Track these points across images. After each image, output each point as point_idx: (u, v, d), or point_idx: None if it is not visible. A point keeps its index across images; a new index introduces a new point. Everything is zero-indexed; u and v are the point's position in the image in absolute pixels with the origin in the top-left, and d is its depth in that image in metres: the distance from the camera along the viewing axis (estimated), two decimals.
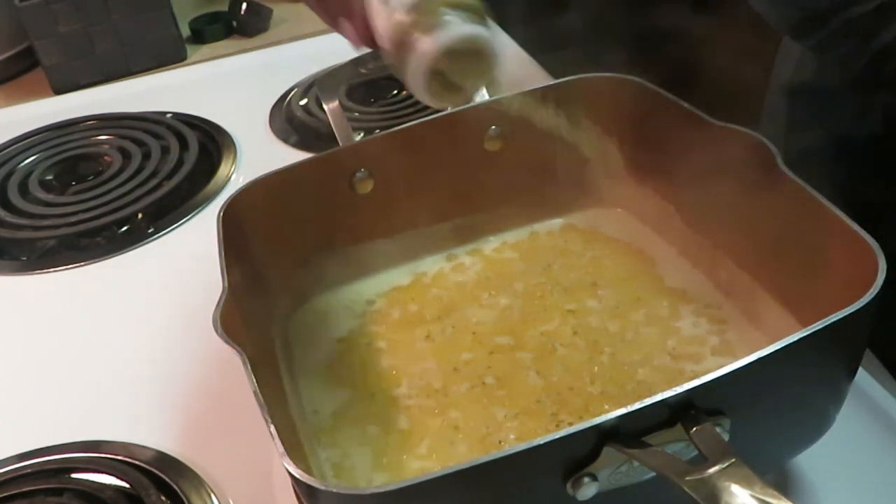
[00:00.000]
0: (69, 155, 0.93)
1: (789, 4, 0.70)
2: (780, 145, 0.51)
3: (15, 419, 0.63)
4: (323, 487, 0.39)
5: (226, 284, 0.50)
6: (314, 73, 0.99)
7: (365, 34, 0.51)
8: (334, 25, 0.54)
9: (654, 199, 0.65)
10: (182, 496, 0.54)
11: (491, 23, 0.48)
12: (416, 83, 0.48)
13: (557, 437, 0.38)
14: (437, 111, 0.88)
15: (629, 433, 0.39)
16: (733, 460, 0.37)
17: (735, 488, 0.36)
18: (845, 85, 0.73)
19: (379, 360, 0.59)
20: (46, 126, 0.99)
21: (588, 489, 0.39)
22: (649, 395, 0.39)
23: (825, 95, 0.77)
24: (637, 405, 0.38)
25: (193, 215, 0.81)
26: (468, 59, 0.47)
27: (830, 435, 0.47)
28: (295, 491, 0.49)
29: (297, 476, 0.39)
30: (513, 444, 0.51)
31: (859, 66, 0.67)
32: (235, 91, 1.03)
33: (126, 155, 0.90)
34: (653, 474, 0.40)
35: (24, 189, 0.88)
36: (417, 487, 0.37)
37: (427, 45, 0.46)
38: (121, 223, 0.81)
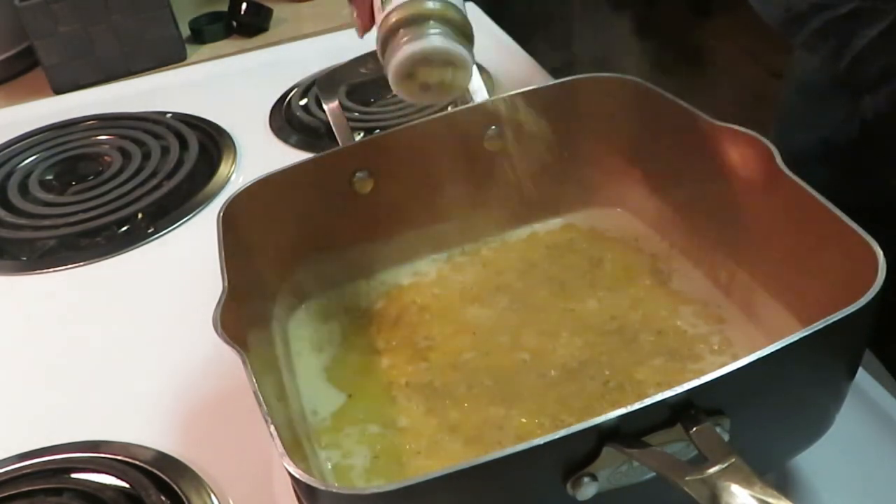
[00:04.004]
0: (69, 155, 0.93)
1: (776, 4, 0.70)
2: (789, 142, 0.51)
3: (15, 419, 0.63)
4: (323, 487, 0.39)
5: (226, 284, 0.50)
6: (314, 73, 0.99)
7: (367, 25, 0.55)
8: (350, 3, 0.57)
9: (654, 199, 0.65)
10: (182, 496, 0.54)
11: (471, 44, 0.52)
12: (392, 80, 0.53)
13: (557, 437, 0.38)
14: (437, 111, 0.89)
15: (629, 433, 0.39)
16: (733, 460, 0.37)
17: (735, 488, 0.36)
18: (838, 85, 0.73)
19: (379, 359, 0.59)
20: (46, 126, 0.99)
21: (588, 489, 0.39)
22: (649, 395, 0.39)
23: (824, 94, 0.77)
24: (637, 405, 0.38)
25: (193, 215, 0.81)
26: (443, 69, 0.52)
27: (830, 435, 0.47)
28: (295, 491, 0.49)
29: (297, 476, 0.39)
30: (513, 444, 0.51)
31: (840, 68, 0.67)
32: (235, 91, 1.03)
33: (126, 155, 0.91)
34: (653, 474, 0.40)
35: (24, 189, 0.88)
36: (417, 487, 0.37)
37: (405, 50, 0.51)
38: (121, 223, 0.81)
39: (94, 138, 0.96)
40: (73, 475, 0.56)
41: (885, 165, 0.71)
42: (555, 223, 0.68)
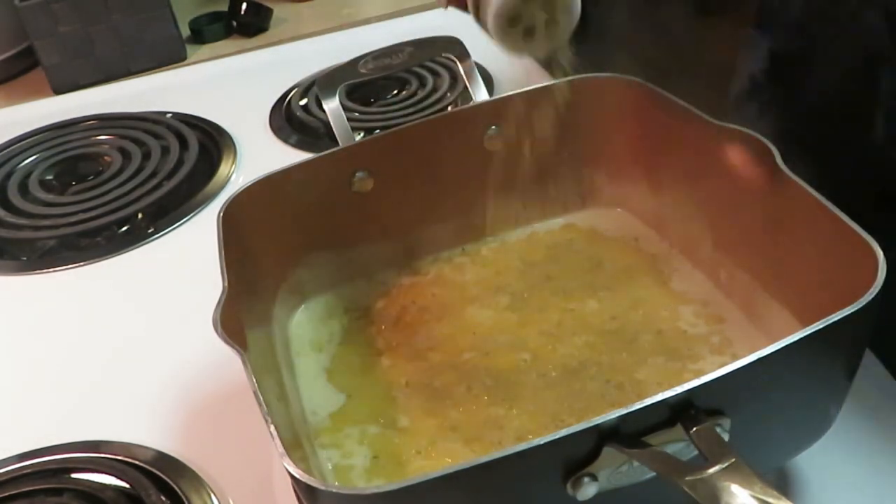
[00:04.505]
0: (69, 155, 0.93)
1: None
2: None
3: (15, 419, 0.63)
4: (323, 487, 0.39)
5: (226, 284, 0.50)
6: (314, 73, 0.99)
7: None
8: None
9: (654, 198, 0.65)
10: (182, 496, 0.54)
11: None
12: (494, 28, 0.51)
13: (557, 437, 0.37)
14: (437, 111, 0.89)
15: (629, 433, 0.39)
16: (733, 460, 0.37)
17: (735, 488, 0.36)
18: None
19: (379, 360, 0.59)
20: (46, 126, 0.99)
21: (588, 489, 0.39)
22: (649, 395, 0.39)
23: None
24: (637, 405, 0.38)
25: (193, 215, 0.81)
26: (549, 5, 0.51)
27: (830, 435, 0.47)
28: (295, 491, 0.49)
29: (297, 476, 0.39)
30: (513, 444, 0.51)
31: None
32: (235, 91, 1.03)
33: (126, 155, 0.90)
34: (653, 474, 0.40)
35: (24, 189, 0.88)
36: (417, 487, 0.37)
37: None
38: (121, 223, 0.81)
39: (93, 138, 0.95)
40: (73, 475, 0.56)
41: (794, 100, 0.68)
42: (555, 223, 0.69)
